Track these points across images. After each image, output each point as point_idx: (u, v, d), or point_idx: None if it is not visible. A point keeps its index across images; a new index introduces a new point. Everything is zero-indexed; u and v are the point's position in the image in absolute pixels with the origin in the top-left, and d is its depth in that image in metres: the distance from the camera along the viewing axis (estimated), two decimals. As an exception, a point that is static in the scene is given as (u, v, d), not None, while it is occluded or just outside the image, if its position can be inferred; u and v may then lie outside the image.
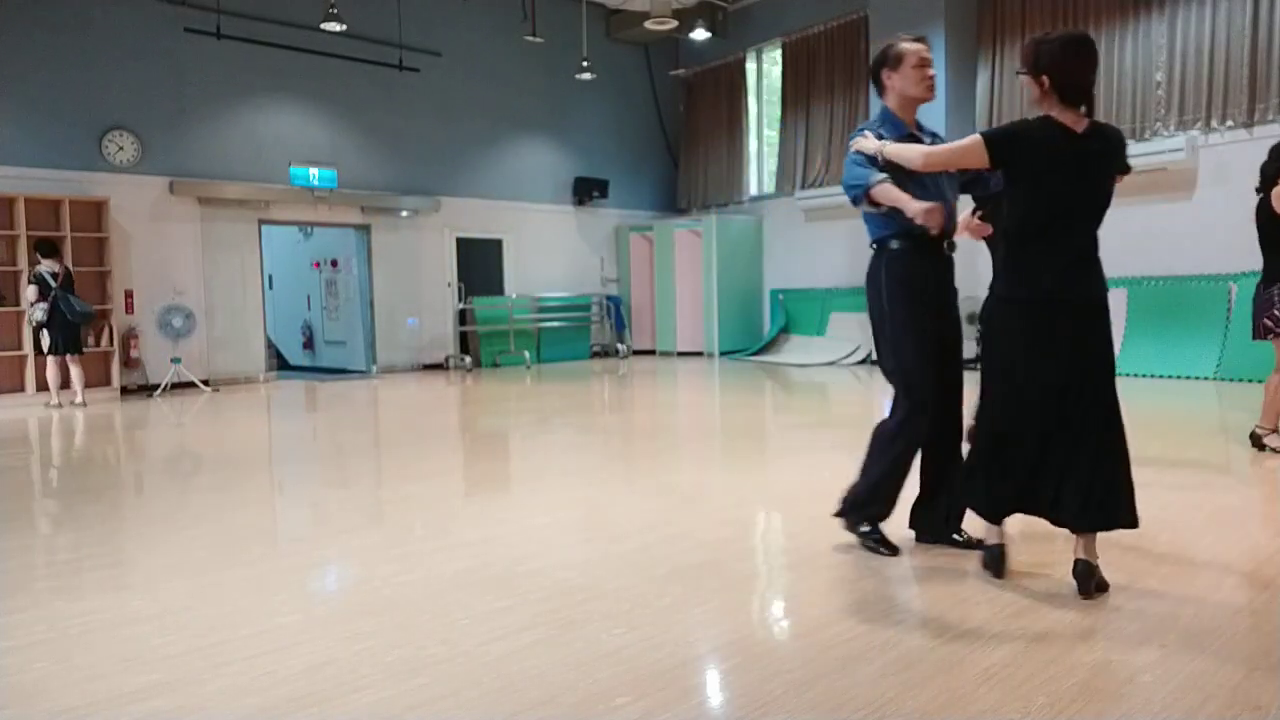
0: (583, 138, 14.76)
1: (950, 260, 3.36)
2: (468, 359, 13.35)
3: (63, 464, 6.17)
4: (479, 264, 13.80)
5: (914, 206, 2.99)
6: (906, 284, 3.26)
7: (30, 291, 9.14)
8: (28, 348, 9.64)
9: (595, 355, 14.94)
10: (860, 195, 3.18)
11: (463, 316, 13.54)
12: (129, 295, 10.51)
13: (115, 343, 10.22)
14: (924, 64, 3.29)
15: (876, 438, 3.36)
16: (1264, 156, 5.20)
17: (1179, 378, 9.23)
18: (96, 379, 10.04)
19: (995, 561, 2.98)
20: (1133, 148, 10.01)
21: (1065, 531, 2.90)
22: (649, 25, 12.40)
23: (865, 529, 3.33)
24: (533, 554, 3.45)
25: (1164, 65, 9.94)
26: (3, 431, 7.62)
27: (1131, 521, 2.78)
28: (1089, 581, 2.77)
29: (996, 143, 2.84)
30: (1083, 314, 2.86)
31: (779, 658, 2.39)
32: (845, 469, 5.02)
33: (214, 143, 11.18)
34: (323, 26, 10.91)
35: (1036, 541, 3.43)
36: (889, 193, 3.09)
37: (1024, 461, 2.87)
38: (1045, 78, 2.84)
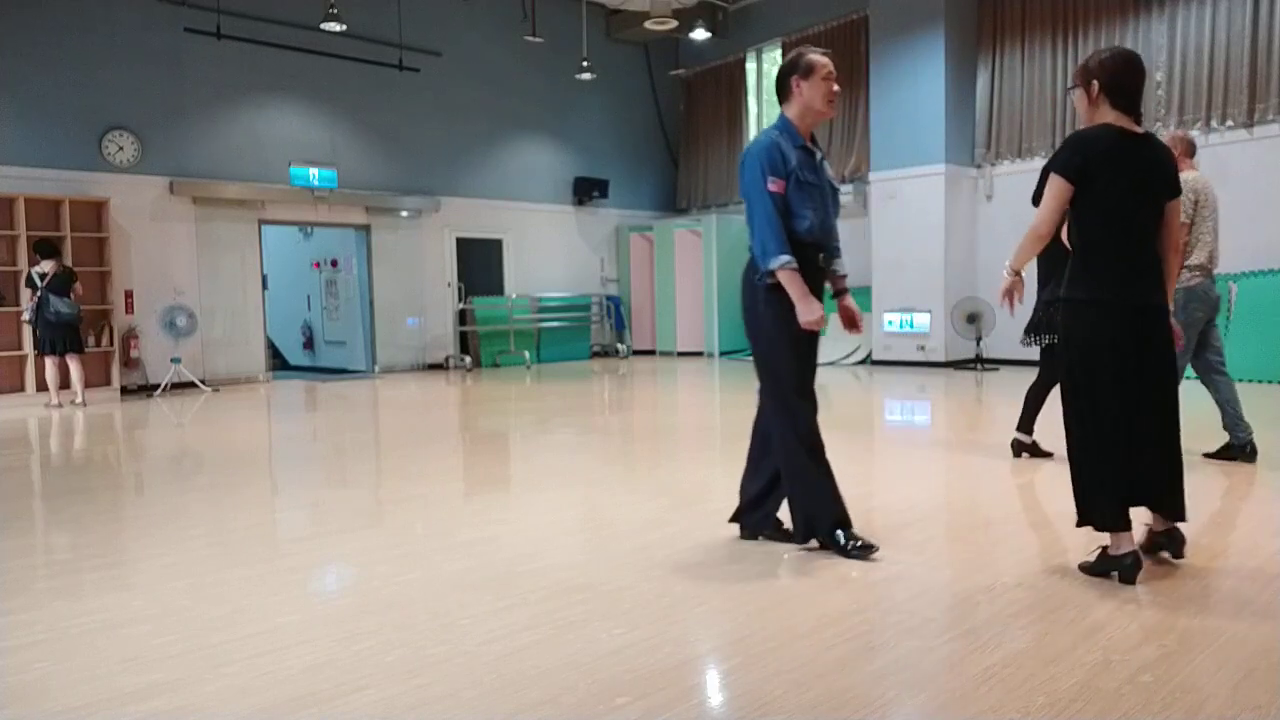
0: (583, 138, 14.76)
1: (824, 272, 3.44)
2: (468, 359, 13.35)
3: (63, 464, 6.17)
4: (479, 264, 13.80)
5: (806, 314, 3.17)
6: (782, 313, 3.25)
7: (26, 293, 9.23)
8: (28, 348, 9.66)
9: (595, 355, 14.95)
10: (763, 272, 3.24)
11: (463, 316, 13.54)
12: (129, 295, 10.52)
13: (115, 343, 10.22)
14: (831, 77, 3.32)
15: (784, 463, 3.37)
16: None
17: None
18: (96, 379, 10.04)
19: (1131, 570, 2.87)
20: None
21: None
22: (649, 25, 12.41)
23: (841, 540, 3.31)
24: (533, 554, 3.45)
25: (1164, 65, 9.94)
26: (3, 431, 7.62)
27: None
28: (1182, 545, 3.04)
29: (1072, 167, 2.89)
30: (1154, 315, 2.94)
31: (779, 658, 2.39)
32: (845, 469, 5.02)
33: (214, 143, 11.19)
34: (323, 26, 10.92)
35: (1038, 540, 3.43)
36: (793, 281, 3.19)
37: (1127, 461, 2.92)
38: (1095, 82, 2.93)
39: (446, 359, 13.39)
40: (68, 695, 2.27)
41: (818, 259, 3.36)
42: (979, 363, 11.05)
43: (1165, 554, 3.10)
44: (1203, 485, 4.38)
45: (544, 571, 3.20)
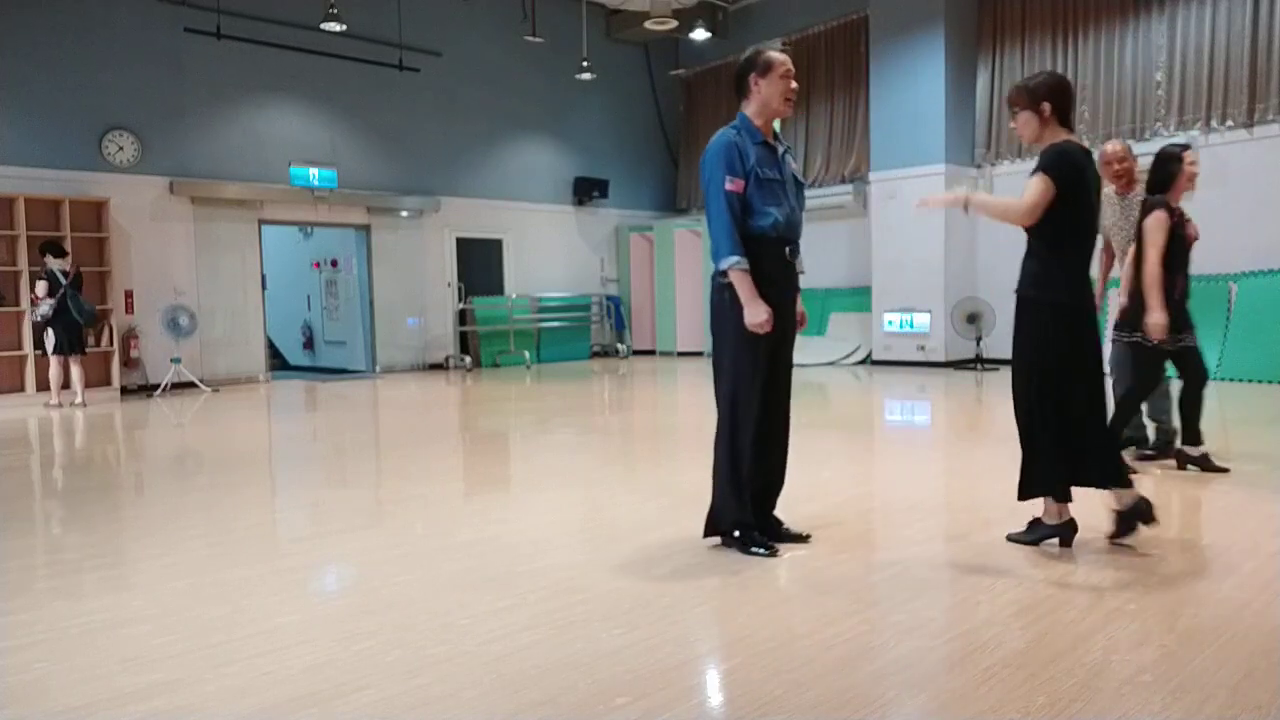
0: (583, 138, 14.77)
1: (793, 266, 3.42)
2: (468, 359, 13.35)
3: (63, 464, 6.17)
4: (479, 264, 13.80)
5: (751, 317, 3.18)
6: (737, 314, 3.25)
7: (40, 288, 9.06)
8: (28, 348, 9.65)
9: (595, 355, 14.95)
10: (716, 271, 3.28)
11: (463, 316, 13.54)
12: (129, 295, 10.52)
13: (115, 343, 10.22)
14: (789, 75, 3.34)
15: (715, 458, 3.40)
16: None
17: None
18: (96, 379, 10.04)
19: (1069, 535, 3.28)
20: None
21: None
22: (649, 25, 12.41)
23: (738, 535, 3.36)
24: (533, 554, 3.45)
25: (1164, 65, 9.94)
26: (3, 432, 7.62)
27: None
28: (1151, 512, 3.23)
29: (1061, 171, 3.10)
30: (1093, 315, 3.28)
31: (779, 658, 2.39)
32: (845, 469, 5.02)
33: (214, 143, 11.19)
34: (323, 26, 10.92)
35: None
36: (742, 282, 3.21)
37: (1073, 442, 3.21)
38: (1047, 104, 3.18)
39: (446, 359, 13.39)
40: (68, 695, 2.27)
41: (785, 253, 3.36)
42: (979, 363, 11.05)
43: (1141, 526, 3.25)
44: (1203, 485, 4.38)
45: (544, 571, 3.20)
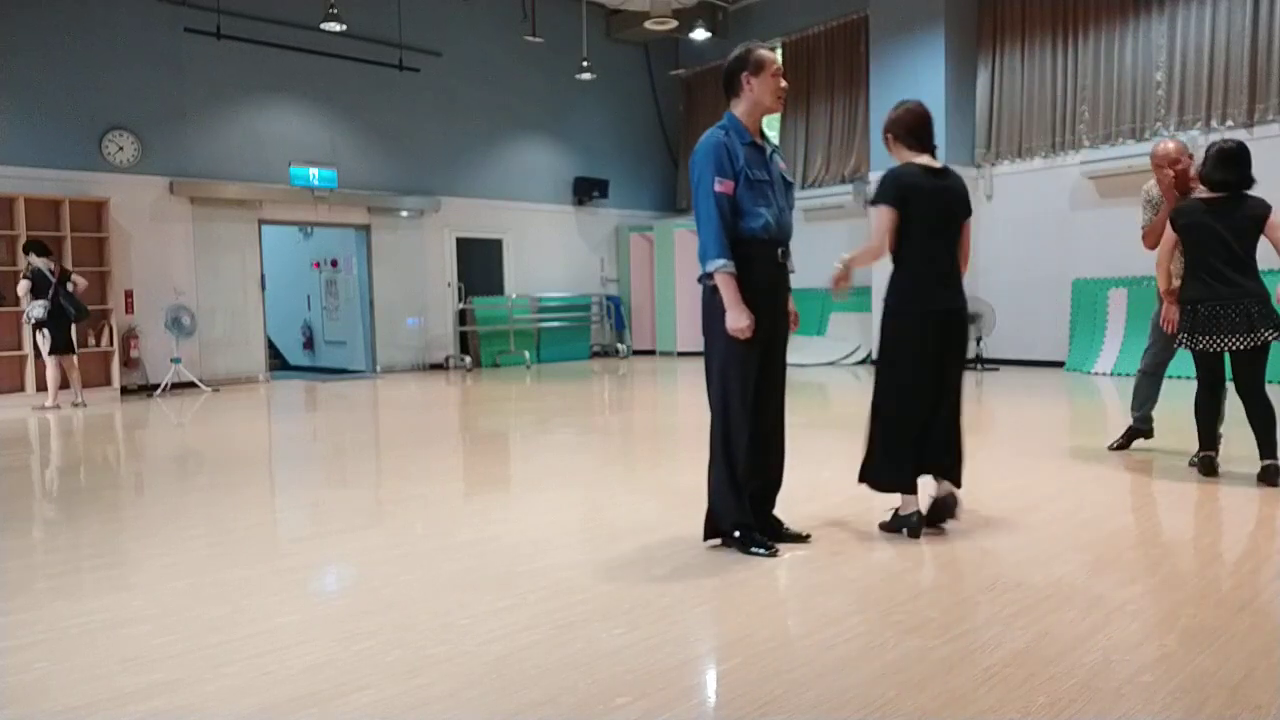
0: (583, 138, 14.77)
1: (785, 268, 3.42)
2: (468, 359, 13.35)
3: (63, 464, 6.17)
4: (479, 264, 13.80)
5: (734, 322, 3.19)
6: (723, 317, 3.25)
7: (22, 287, 8.92)
8: (28, 348, 9.64)
9: (595, 355, 14.95)
10: (703, 274, 3.29)
11: (463, 316, 13.54)
12: (129, 295, 10.52)
13: (115, 343, 10.22)
14: (780, 74, 3.34)
15: (710, 461, 3.40)
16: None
17: (1179, 378, 9.22)
18: (96, 379, 10.05)
19: (917, 527, 3.50)
20: (1133, 148, 10.03)
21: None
22: (649, 25, 12.41)
23: (738, 535, 3.36)
24: (533, 554, 3.45)
25: (1164, 65, 9.94)
26: (3, 432, 7.62)
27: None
28: (955, 507, 3.59)
29: (889, 196, 3.51)
30: (954, 318, 3.56)
31: (779, 658, 2.39)
32: (845, 469, 5.02)
33: (214, 143, 11.19)
34: (323, 26, 10.93)
35: (1037, 540, 3.43)
36: (727, 286, 3.21)
37: (919, 437, 3.54)
38: (889, 134, 3.65)
39: (446, 359, 13.40)
40: (68, 695, 2.27)
41: (777, 255, 3.35)
42: (979, 363, 11.05)
43: (949, 518, 3.60)
44: (1203, 486, 4.38)
45: (544, 571, 3.20)
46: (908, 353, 3.52)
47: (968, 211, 3.60)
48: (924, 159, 3.55)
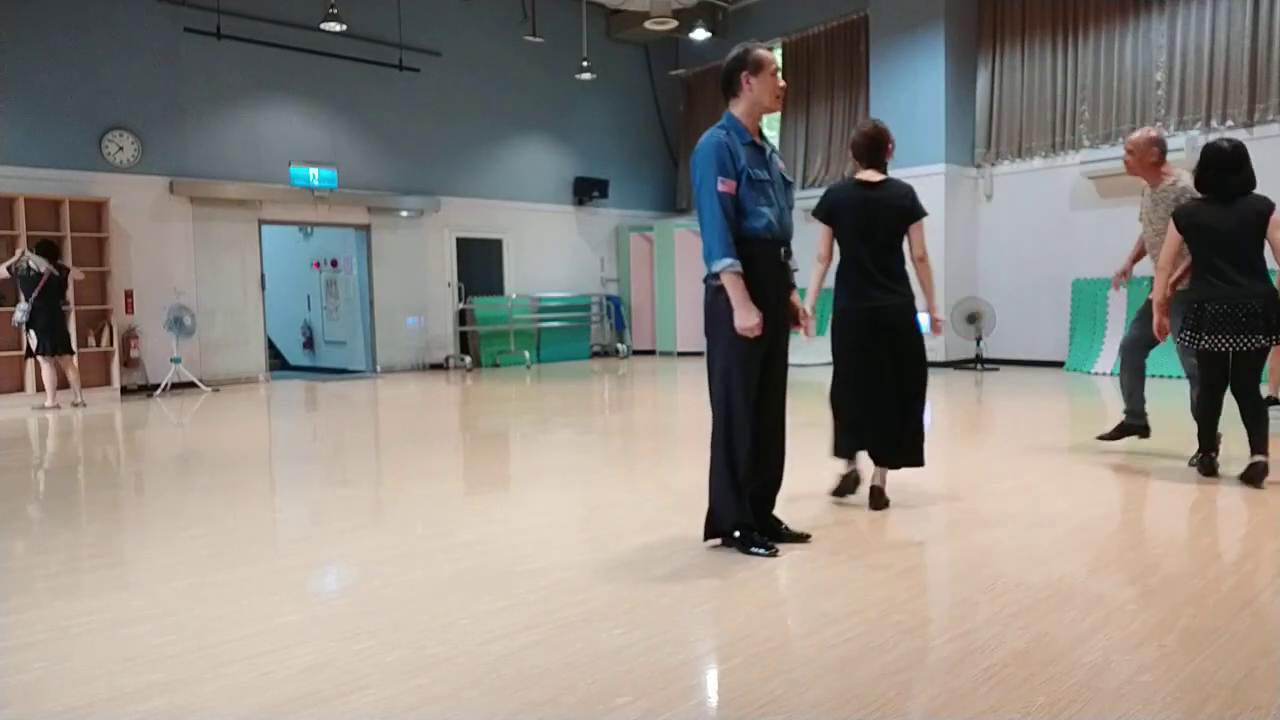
0: (583, 138, 14.76)
1: (787, 267, 3.42)
2: (468, 359, 13.35)
3: (63, 464, 6.17)
4: (479, 264, 13.80)
5: (742, 320, 3.20)
6: (730, 317, 3.25)
7: (2, 270, 8.83)
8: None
9: (595, 355, 14.95)
10: (708, 274, 3.29)
11: (463, 316, 13.54)
12: (129, 295, 10.51)
13: (115, 343, 10.22)
14: (776, 74, 3.34)
15: (711, 460, 3.40)
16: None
17: (1179, 378, 9.22)
18: (96, 379, 10.05)
19: (849, 485, 4.14)
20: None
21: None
22: (649, 25, 12.41)
23: (738, 536, 3.36)
24: (533, 554, 3.45)
25: (1164, 65, 9.94)
26: (3, 432, 7.62)
27: (919, 463, 4.08)
28: (883, 499, 4.03)
29: (821, 213, 4.11)
30: (888, 313, 4.02)
31: (779, 658, 2.39)
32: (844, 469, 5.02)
33: (214, 142, 11.19)
34: (323, 26, 10.93)
35: (1037, 540, 3.43)
36: (734, 285, 3.22)
37: (857, 420, 4.07)
38: (851, 151, 4.18)
39: (446, 359, 13.39)
40: (68, 695, 2.27)
41: (779, 254, 3.36)
42: (979, 363, 11.05)
43: (883, 506, 4.02)
44: (1203, 486, 4.38)
45: (544, 571, 3.20)
46: (841, 346, 4.08)
47: (908, 217, 3.98)
48: (867, 174, 4.02)
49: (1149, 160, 4.83)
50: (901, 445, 4.01)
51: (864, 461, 4.10)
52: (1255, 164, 4.39)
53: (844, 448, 4.12)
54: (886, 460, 4.03)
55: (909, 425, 4.02)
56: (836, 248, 4.10)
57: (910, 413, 4.04)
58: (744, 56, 3.33)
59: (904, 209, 3.98)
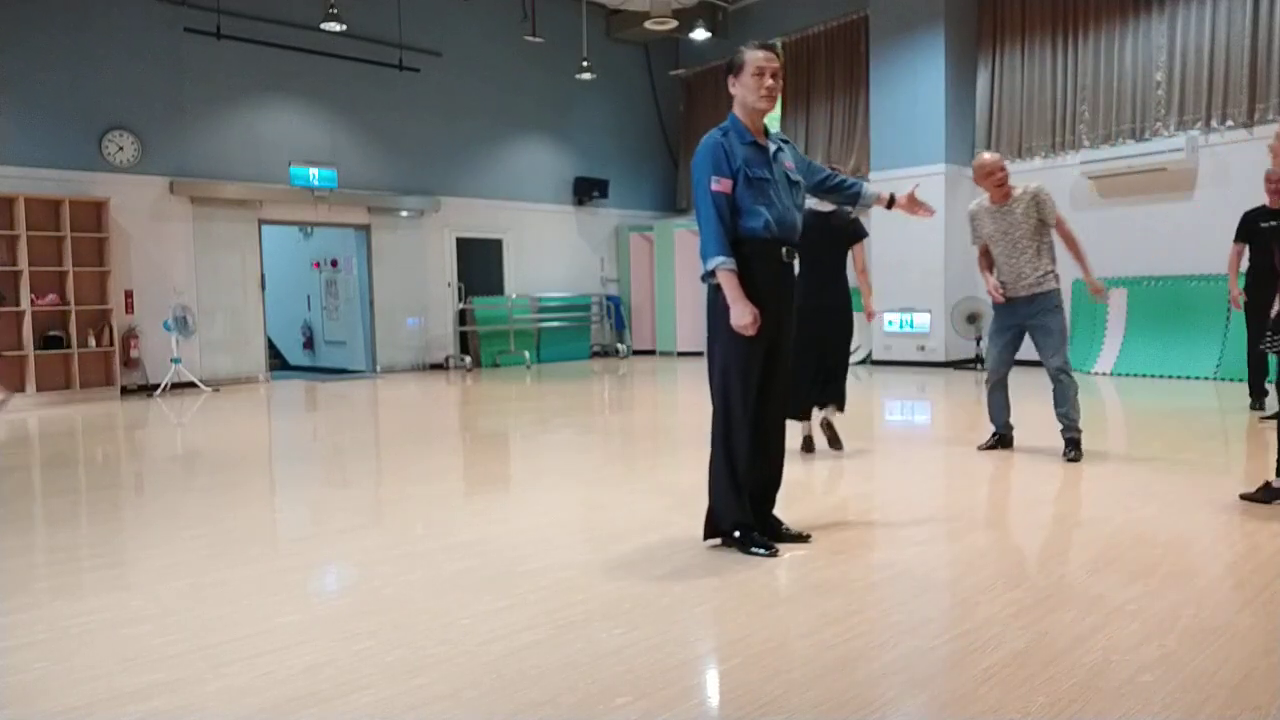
0: (583, 138, 14.77)
1: (789, 266, 3.42)
2: (468, 359, 13.35)
3: (63, 464, 6.17)
4: (479, 264, 13.80)
5: (737, 318, 3.19)
6: (727, 316, 3.26)
7: None
8: (28, 348, 9.64)
9: (595, 355, 14.95)
10: (705, 272, 3.29)
11: (463, 316, 13.54)
12: (129, 295, 10.52)
13: (115, 343, 10.22)
14: (762, 73, 3.30)
15: (710, 461, 3.40)
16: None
17: (1178, 377, 9.23)
18: (96, 379, 10.06)
19: (806, 445, 5.47)
20: (1133, 148, 10.04)
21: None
22: (649, 25, 12.41)
23: (738, 536, 3.36)
24: (533, 554, 3.45)
25: (1164, 65, 9.94)
26: (2, 432, 7.62)
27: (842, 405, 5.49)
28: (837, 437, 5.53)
29: None
30: (824, 311, 5.21)
31: (779, 658, 2.39)
32: (845, 469, 5.02)
33: (214, 142, 11.19)
34: (323, 26, 10.93)
35: (1038, 540, 3.43)
36: (729, 283, 3.21)
37: (809, 384, 5.30)
38: None
39: (446, 359, 13.40)
40: (67, 695, 2.26)
41: (780, 254, 3.36)
42: (979, 363, 11.05)
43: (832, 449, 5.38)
44: (1203, 487, 4.38)
45: (544, 571, 3.20)
46: (800, 333, 4.31)
47: (850, 239, 5.22)
48: (822, 205, 4.97)
49: None
50: (831, 396, 5.39)
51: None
52: (1255, 164, 4.39)
53: (795, 407, 5.11)
54: (823, 404, 5.41)
55: (834, 382, 5.39)
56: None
57: (838, 376, 5.39)
58: (731, 59, 3.37)
59: (846, 232, 5.23)
